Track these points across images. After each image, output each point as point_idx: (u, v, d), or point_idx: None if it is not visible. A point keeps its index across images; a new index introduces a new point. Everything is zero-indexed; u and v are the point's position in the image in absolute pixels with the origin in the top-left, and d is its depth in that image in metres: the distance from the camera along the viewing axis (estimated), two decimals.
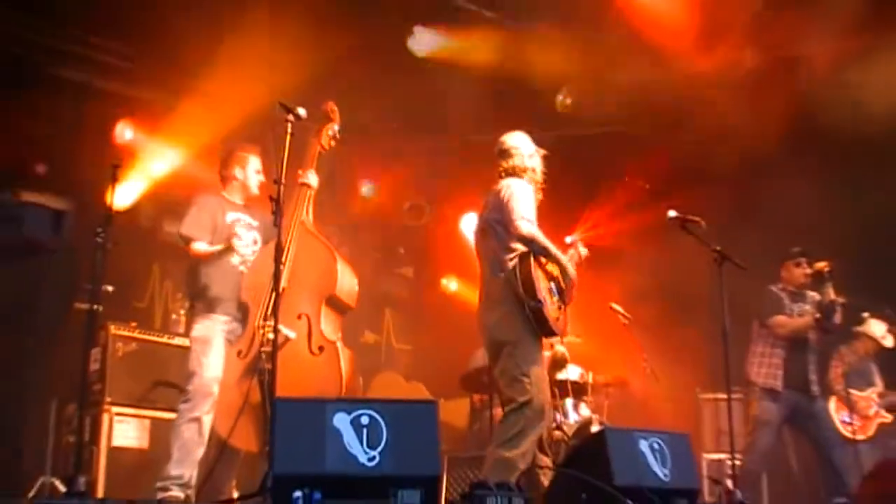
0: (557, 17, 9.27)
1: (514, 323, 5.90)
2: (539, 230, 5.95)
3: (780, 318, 8.20)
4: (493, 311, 6.03)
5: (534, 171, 6.33)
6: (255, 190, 6.76)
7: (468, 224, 11.68)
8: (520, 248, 5.97)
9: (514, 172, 6.26)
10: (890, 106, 8.76)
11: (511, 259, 5.98)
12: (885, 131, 9.04)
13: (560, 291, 6.15)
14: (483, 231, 6.28)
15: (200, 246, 6.48)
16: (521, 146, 6.39)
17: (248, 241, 6.63)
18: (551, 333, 6.05)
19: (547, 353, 8.18)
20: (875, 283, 9.24)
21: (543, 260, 6.03)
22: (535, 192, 6.23)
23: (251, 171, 6.77)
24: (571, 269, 6.19)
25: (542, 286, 5.89)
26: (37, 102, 9.20)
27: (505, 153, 6.37)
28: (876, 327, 9.82)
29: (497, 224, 6.08)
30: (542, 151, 6.47)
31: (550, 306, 5.92)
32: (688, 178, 9.53)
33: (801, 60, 9.49)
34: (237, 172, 6.76)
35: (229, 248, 6.39)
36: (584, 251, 6.49)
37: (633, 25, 9.13)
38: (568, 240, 6.57)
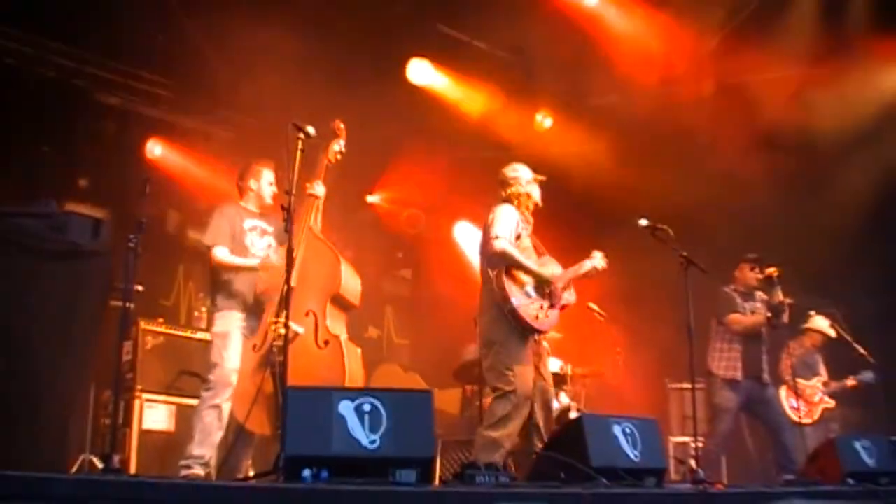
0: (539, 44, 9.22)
1: (499, 325, 6.06)
2: (511, 246, 6.12)
3: (736, 317, 8.21)
4: (483, 315, 6.21)
5: (528, 196, 6.48)
6: (268, 200, 6.69)
7: (460, 231, 11.73)
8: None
9: (507, 199, 6.43)
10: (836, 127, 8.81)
11: (493, 271, 6.12)
12: (831, 151, 9.09)
13: (543, 294, 6.21)
14: (480, 250, 6.44)
15: (221, 252, 6.42)
16: (519, 176, 6.52)
17: (263, 246, 6.59)
18: (533, 331, 6.10)
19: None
20: (815, 284, 9.26)
21: (517, 271, 6.13)
22: (526, 214, 6.44)
23: (265, 182, 6.70)
24: (546, 275, 6.25)
25: (517, 292, 6.04)
26: (81, 124, 9.24)
27: (503, 183, 6.53)
28: (820, 322, 9.84)
29: (484, 244, 6.26)
30: (541, 178, 6.59)
31: (528, 308, 6.03)
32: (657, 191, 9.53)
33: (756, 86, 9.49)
34: (252, 184, 6.70)
35: (251, 269, 6.38)
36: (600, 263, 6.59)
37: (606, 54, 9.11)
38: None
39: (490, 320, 6.14)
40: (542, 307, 6.15)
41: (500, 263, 6.10)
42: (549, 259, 6.50)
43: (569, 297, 6.47)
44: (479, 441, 5.92)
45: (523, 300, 6.04)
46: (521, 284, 6.14)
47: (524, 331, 6.05)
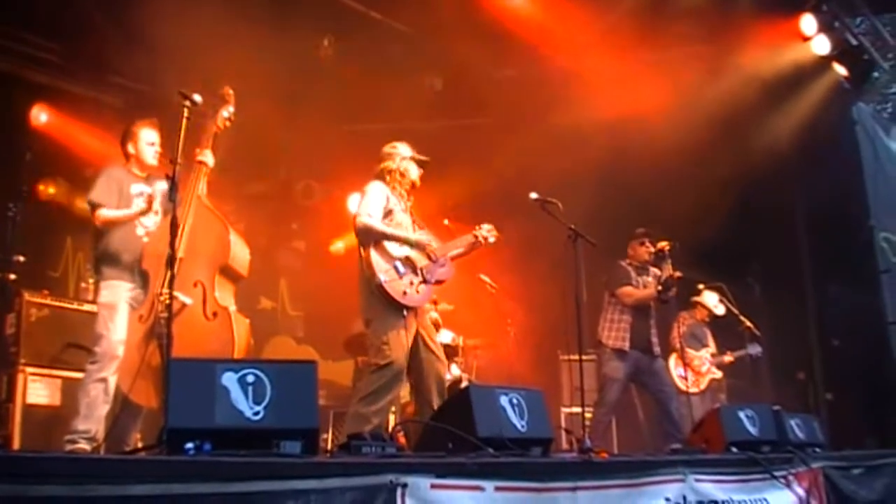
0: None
1: (371, 301, 6.18)
2: (375, 220, 6.23)
3: (628, 289, 8.40)
4: (360, 294, 6.30)
5: (402, 174, 6.55)
6: (150, 160, 6.54)
7: (354, 203, 11.70)
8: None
9: (379, 175, 6.53)
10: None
11: (363, 250, 6.25)
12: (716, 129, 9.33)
13: (414, 270, 6.30)
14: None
15: (107, 212, 6.27)
16: (395, 153, 6.60)
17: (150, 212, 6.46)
18: (401, 307, 6.14)
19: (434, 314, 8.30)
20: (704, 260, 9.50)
21: (387, 244, 6.25)
22: (399, 190, 6.53)
23: (143, 143, 6.53)
24: (413, 239, 6.39)
25: (384, 267, 6.15)
26: None
27: (379, 159, 6.63)
28: (709, 298, 10.13)
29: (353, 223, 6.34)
30: (421, 158, 6.65)
31: (396, 283, 6.13)
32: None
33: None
34: (130, 148, 6.56)
35: (141, 213, 6.28)
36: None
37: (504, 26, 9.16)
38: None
39: (365, 298, 6.24)
40: (411, 283, 6.23)
41: (366, 239, 6.21)
42: (426, 234, 6.57)
43: (444, 272, 6.55)
44: (349, 413, 6.09)
45: (391, 276, 6.13)
46: (391, 259, 6.22)
47: (393, 306, 6.11)
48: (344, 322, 9.36)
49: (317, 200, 12.24)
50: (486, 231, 6.68)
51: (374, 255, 6.15)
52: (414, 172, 6.59)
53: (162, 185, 6.23)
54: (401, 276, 6.18)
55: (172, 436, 3.74)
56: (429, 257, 6.45)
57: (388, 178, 6.50)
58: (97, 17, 8.93)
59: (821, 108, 9.49)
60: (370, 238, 6.20)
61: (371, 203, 6.30)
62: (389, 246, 6.25)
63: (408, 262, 6.28)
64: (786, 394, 9.76)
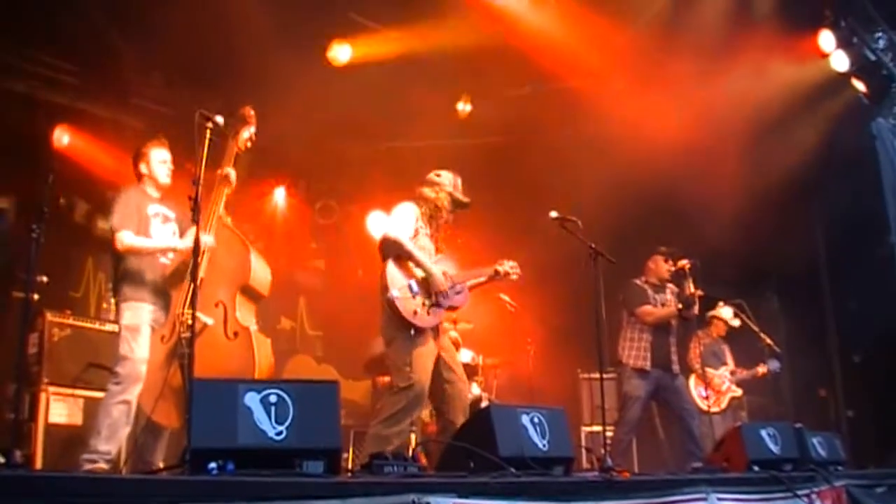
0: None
1: (388, 320, 6.19)
2: (405, 238, 6.26)
3: (647, 308, 8.38)
4: (382, 313, 6.26)
5: (437, 207, 6.54)
6: (163, 179, 6.56)
7: (373, 222, 11.74)
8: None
9: (415, 198, 6.55)
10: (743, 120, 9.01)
11: (383, 263, 6.27)
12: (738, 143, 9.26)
13: (428, 292, 6.27)
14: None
15: (129, 239, 6.24)
16: (438, 181, 6.62)
17: (168, 233, 6.48)
18: (409, 325, 6.12)
19: (454, 334, 8.30)
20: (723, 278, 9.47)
21: (410, 263, 6.27)
22: (432, 219, 6.53)
23: (155, 162, 6.54)
24: (433, 271, 6.31)
25: (400, 283, 6.17)
26: None
27: (422, 181, 6.66)
28: (724, 311, 10.09)
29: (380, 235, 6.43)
30: (464, 200, 6.66)
31: (407, 301, 6.12)
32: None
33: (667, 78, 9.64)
34: (143, 168, 6.56)
35: (161, 251, 6.32)
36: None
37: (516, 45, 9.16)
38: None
39: (386, 317, 6.21)
40: (423, 304, 6.21)
41: (389, 252, 6.25)
42: (444, 259, 6.57)
43: (459, 298, 6.53)
44: (369, 435, 6.03)
45: (404, 293, 6.13)
46: (408, 276, 6.23)
47: (407, 326, 6.12)
48: (364, 341, 9.36)
49: (336, 219, 12.26)
50: (509, 267, 6.68)
51: (392, 269, 6.18)
52: (447, 205, 6.57)
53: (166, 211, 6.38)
54: (413, 295, 6.17)
55: (195, 456, 3.75)
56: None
57: (422, 205, 6.53)
58: (117, 39, 8.98)
59: (840, 124, 9.45)
60: (393, 251, 6.24)
61: (403, 220, 6.35)
62: (409, 263, 6.27)
63: (423, 283, 6.26)
64: (806, 411, 9.73)
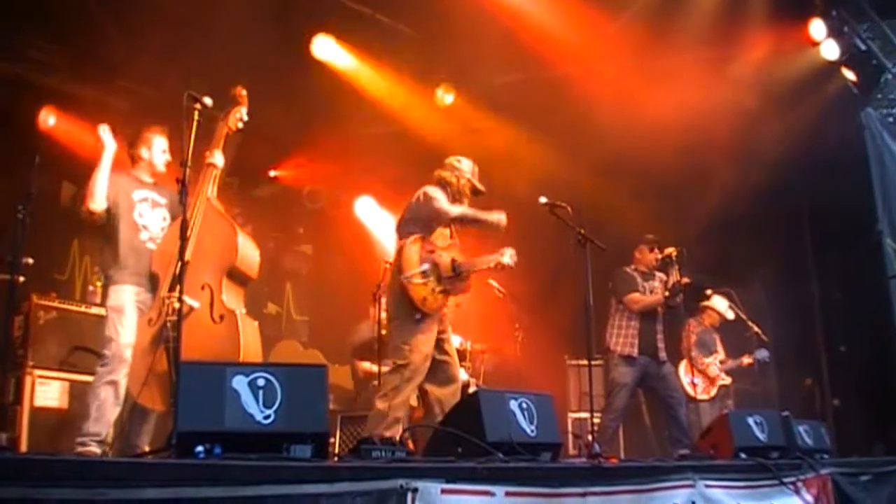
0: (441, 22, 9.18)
1: (398, 300, 6.30)
2: (448, 206, 6.50)
3: (635, 296, 8.40)
4: (389, 291, 6.48)
5: (459, 191, 6.70)
6: (161, 168, 6.53)
7: (361, 207, 11.72)
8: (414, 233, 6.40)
9: (437, 182, 6.69)
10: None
11: (401, 241, 6.39)
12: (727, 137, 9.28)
13: (438, 277, 6.36)
14: (397, 226, 6.70)
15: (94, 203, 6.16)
16: (460, 167, 6.76)
17: (158, 218, 6.43)
18: (416, 310, 6.23)
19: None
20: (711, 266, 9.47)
21: (431, 248, 6.39)
22: (453, 203, 6.65)
23: (157, 150, 6.52)
24: (490, 218, 6.58)
25: (413, 264, 6.28)
26: None
27: (443, 166, 6.79)
28: (719, 302, 10.10)
29: (408, 222, 6.53)
30: (480, 187, 6.82)
31: (418, 286, 6.23)
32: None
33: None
34: (143, 152, 6.52)
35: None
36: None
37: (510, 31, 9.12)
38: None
39: (396, 297, 6.32)
40: (433, 290, 6.30)
41: (458, 221, 6.54)
42: (455, 246, 6.65)
43: (463, 286, 6.64)
44: (371, 414, 6.19)
45: (417, 278, 6.22)
46: (424, 259, 6.31)
47: (414, 310, 6.22)
48: (351, 326, 9.36)
49: (323, 204, 12.21)
50: (509, 256, 6.68)
51: (410, 250, 6.31)
52: (468, 195, 6.73)
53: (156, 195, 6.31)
54: (426, 281, 6.27)
55: (182, 439, 3.72)
56: (453, 269, 6.50)
57: (447, 188, 6.65)
58: (104, 21, 8.91)
59: (829, 114, 9.44)
60: (465, 220, 6.52)
61: (440, 197, 6.50)
62: (428, 246, 6.38)
63: (435, 268, 6.36)
64: (793, 399, 9.74)
